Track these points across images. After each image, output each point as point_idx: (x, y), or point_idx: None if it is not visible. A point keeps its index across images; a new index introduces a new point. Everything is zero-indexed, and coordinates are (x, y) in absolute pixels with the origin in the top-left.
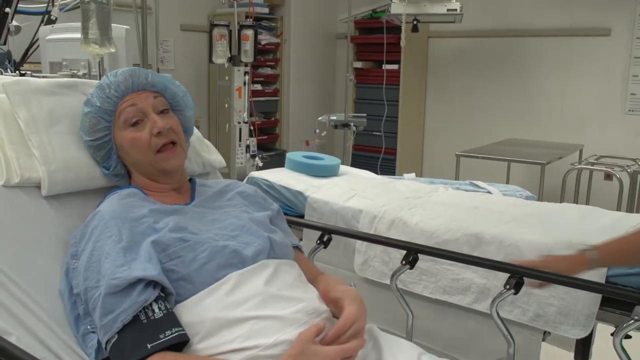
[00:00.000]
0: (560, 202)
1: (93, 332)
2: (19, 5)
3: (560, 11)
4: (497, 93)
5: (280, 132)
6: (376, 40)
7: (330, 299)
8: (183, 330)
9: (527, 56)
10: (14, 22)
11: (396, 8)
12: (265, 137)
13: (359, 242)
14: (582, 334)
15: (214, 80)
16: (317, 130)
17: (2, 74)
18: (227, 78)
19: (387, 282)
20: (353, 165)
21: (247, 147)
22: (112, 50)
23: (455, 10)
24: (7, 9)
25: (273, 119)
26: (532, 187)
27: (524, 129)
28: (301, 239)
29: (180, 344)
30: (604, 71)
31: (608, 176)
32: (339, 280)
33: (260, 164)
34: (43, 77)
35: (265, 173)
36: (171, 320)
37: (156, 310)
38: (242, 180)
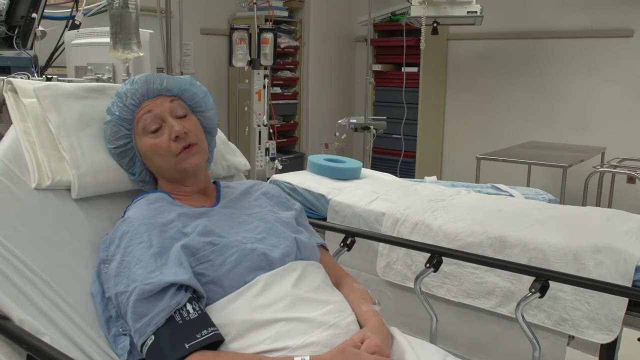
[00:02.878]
0: (583, 206)
1: (124, 334)
2: (44, 10)
3: (581, 12)
4: (517, 95)
5: (300, 135)
6: (395, 43)
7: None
8: (218, 330)
9: (548, 58)
10: (40, 27)
11: (416, 11)
12: (285, 140)
13: (381, 245)
14: (608, 339)
15: (233, 83)
16: (337, 133)
17: (29, 78)
18: (246, 81)
19: (410, 285)
20: (372, 168)
21: (267, 150)
22: (141, 53)
23: (476, 12)
24: (33, 14)
25: (292, 122)
26: (553, 190)
27: (545, 132)
28: None
29: (216, 343)
30: (626, 72)
31: (631, 179)
32: (363, 293)
33: (280, 167)
34: (69, 81)
35: (287, 176)
36: (206, 320)
37: (191, 310)
38: None
